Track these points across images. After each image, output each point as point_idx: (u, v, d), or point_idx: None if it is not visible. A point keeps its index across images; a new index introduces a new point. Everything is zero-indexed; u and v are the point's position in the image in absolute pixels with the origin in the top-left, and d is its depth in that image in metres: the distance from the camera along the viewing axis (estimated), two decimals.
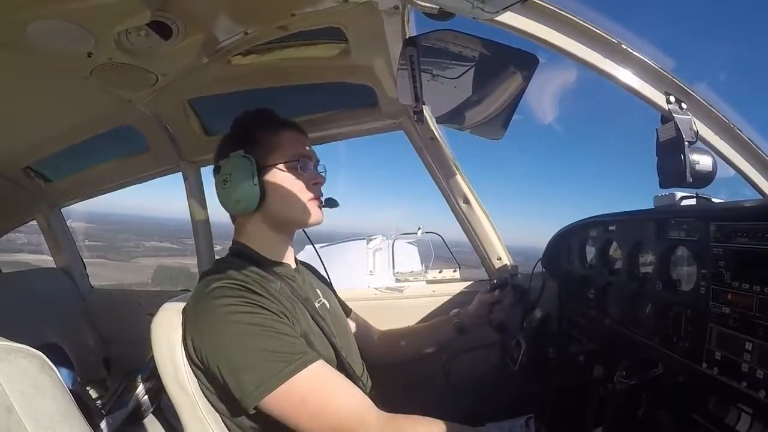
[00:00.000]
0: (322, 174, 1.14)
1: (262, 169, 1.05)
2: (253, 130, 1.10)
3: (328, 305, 1.20)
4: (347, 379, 0.98)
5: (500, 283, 1.47)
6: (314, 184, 1.11)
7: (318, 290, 1.22)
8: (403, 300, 1.68)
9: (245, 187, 1.03)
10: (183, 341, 0.95)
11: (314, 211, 1.11)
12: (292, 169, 1.07)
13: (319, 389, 0.90)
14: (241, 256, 1.08)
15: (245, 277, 0.98)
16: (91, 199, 2.41)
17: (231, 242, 1.15)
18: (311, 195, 1.09)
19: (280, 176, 1.06)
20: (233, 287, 0.93)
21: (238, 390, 0.86)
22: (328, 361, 1.01)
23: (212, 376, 0.91)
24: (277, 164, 1.06)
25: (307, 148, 1.14)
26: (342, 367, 1.07)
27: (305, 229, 1.24)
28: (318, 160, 1.16)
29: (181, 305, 1.01)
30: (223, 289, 0.93)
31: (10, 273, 2.45)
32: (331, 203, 1.16)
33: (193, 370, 0.95)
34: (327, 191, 1.18)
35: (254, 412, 0.89)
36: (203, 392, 0.96)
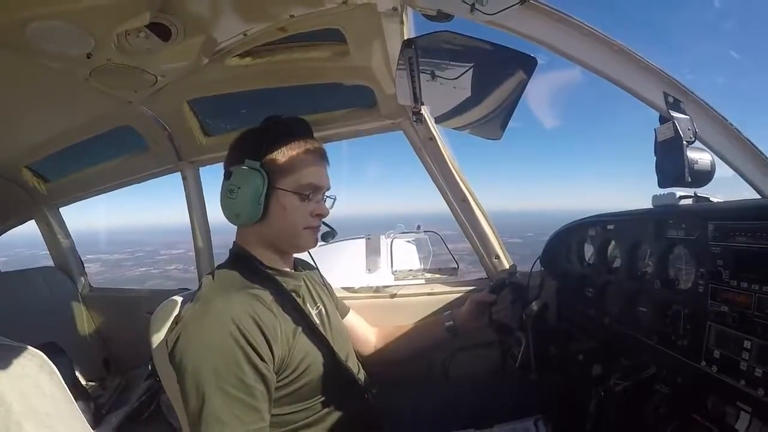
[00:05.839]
0: (328, 205, 1.12)
1: (272, 189, 1.02)
2: (279, 146, 1.04)
3: (325, 310, 1.20)
4: None
5: (498, 284, 1.47)
6: (317, 215, 1.09)
7: (316, 294, 1.23)
8: (401, 298, 1.68)
9: (249, 205, 1.01)
10: (166, 343, 0.92)
11: (309, 240, 1.10)
12: (301, 199, 1.05)
13: None
14: (243, 264, 1.06)
15: (248, 309, 0.92)
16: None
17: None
18: (311, 225, 1.08)
19: (287, 202, 1.04)
20: (231, 339, 0.87)
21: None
22: (326, 365, 1.03)
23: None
24: (288, 190, 1.03)
25: (324, 177, 1.09)
26: (339, 369, 1.07)
27: None
28: (328, 188, 1.12)
29: (180, 304, 1.01)
30: (221, 340, 0.87)
31: (8, 272, 2.45)
32: (326, 237, 1.16)
33: None
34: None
35: None
36: None
